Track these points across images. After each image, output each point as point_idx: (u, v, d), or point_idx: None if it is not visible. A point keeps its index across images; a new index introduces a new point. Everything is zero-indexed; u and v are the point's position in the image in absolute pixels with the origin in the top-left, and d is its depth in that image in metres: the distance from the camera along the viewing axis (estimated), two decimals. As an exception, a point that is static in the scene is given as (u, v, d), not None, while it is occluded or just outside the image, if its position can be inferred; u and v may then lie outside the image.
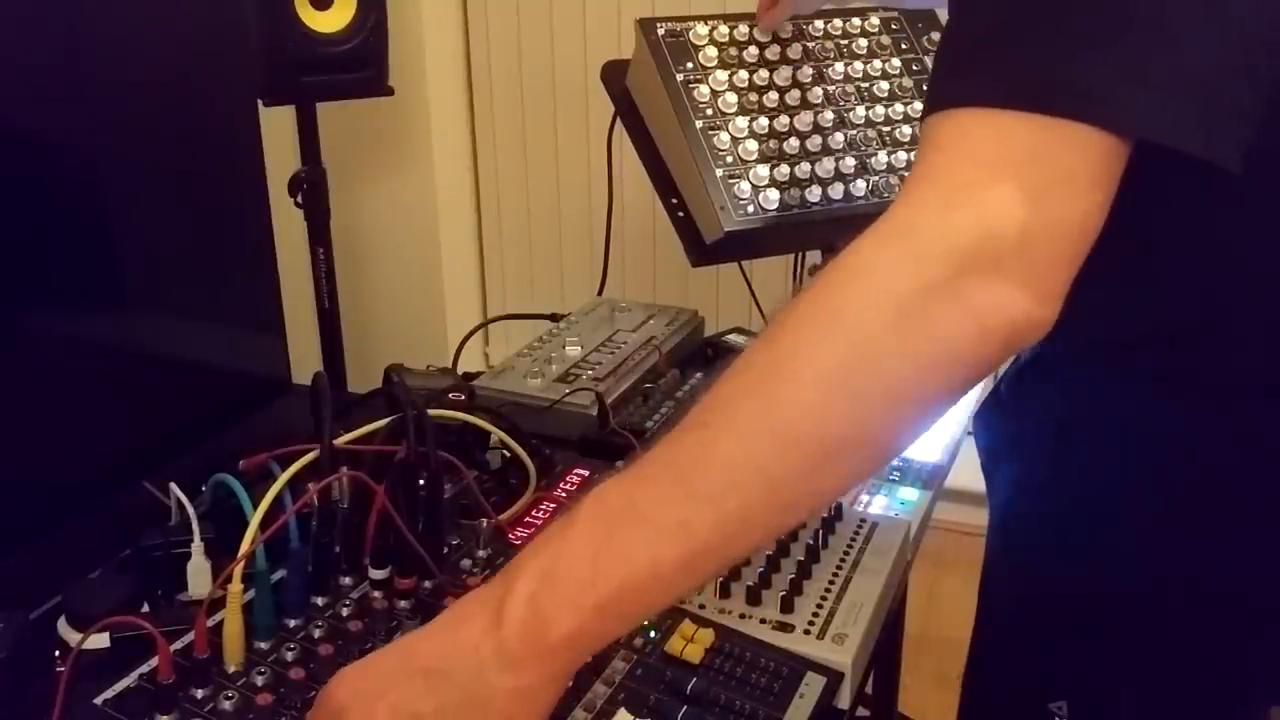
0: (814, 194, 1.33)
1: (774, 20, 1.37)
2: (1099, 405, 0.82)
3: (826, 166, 1.36)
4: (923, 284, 0.59)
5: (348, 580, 0.88)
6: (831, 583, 0.94)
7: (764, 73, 1.38)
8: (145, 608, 0.89)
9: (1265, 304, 0.75)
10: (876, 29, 1.48)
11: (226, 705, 0.74)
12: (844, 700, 0.85)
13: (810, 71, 1.40)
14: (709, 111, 1.33)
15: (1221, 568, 0.79)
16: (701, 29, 1.38)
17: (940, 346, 0.59)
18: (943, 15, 1.54)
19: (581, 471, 1.10)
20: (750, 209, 1.29)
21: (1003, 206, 0.58)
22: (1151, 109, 0.60)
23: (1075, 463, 0.85)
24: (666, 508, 0.61)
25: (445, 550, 0.93)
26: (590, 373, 1.27)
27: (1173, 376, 0.78)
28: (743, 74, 1.38)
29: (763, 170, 1.32)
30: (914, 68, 1.46)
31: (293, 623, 0.83)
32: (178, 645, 0.78)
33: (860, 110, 1.42)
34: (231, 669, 0.77)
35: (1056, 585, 0.86)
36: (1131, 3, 0.60)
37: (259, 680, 0.76)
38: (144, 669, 0.77)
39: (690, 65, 1.36)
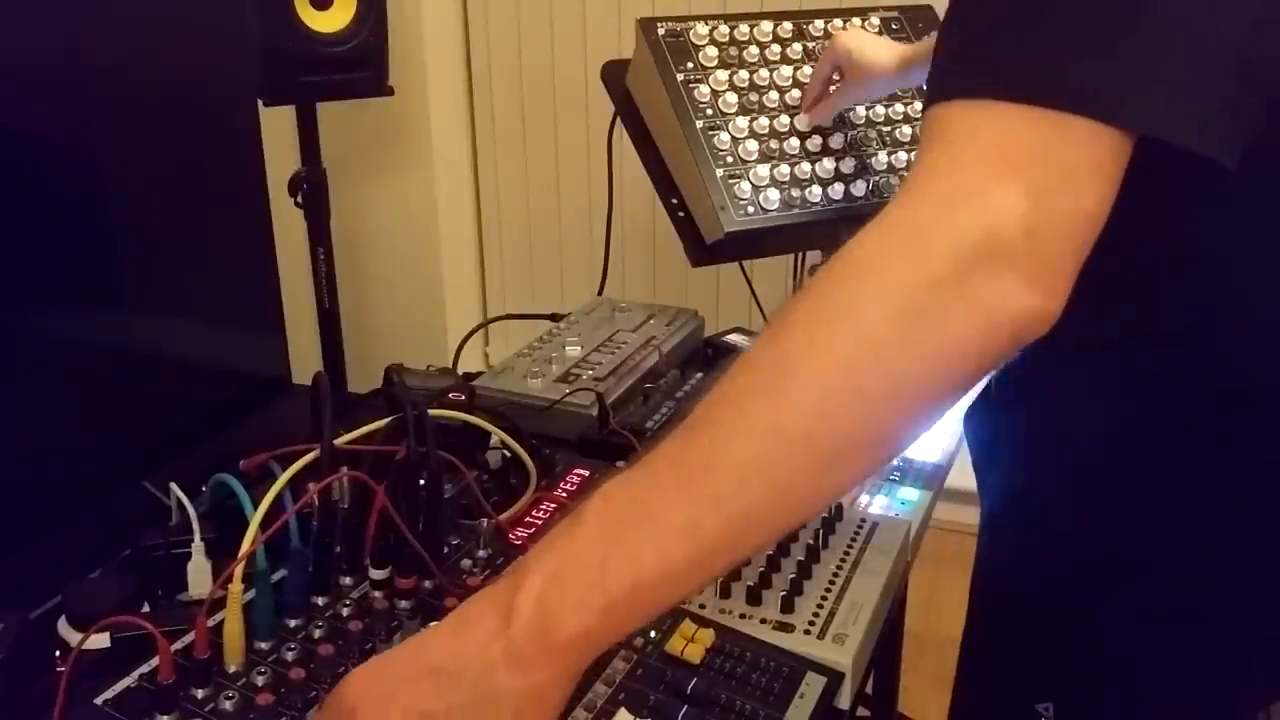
0: (814, 194, 1.33)
1: (821, 114, 1.36)
2: (1089, 404, 0.82)
3: (826, 166, 1.36)
4: (928, 279, 0.59)
5: (348, 580, 0.88)
6: (831, 583, 0.94)
7: (764, 72, 1.38)
8: (145, 608, 0.89)
9: (1258, 306, 0.75)
10: (876, 29, 1.48)
11: (227, 705, 0.74)
12: (844, 700, 0.85)
13: (810, 71, 1.40)
14: (709, 111, 1.33)
15: (1213, 568, 0.79)
16: (702, 29, 1.38)
17: (946, 341, 0.59)
18: (943, 10, 1.54)
19: (581, 471, 1.10)
20: (750, 209, 1.29)
21: (1007, 201, 0.58)
22: (1154, 105, 0.59)
23: (1064, 462, 0.85)
24: (674, 507, 0.61)
25: (445, 550, 0.93)
26: (590, 373, 1.27)
27: (1165, 376, 0.78)
28: (743, 74, 1.37)
29: (763, 170, 1.32)
30: (914, 68, 1.45)
31: (293, 623, 0.83)
32: (178, 645, 0.78)
33: (860, 110, 1.42)
34: (232, 669, 0.77)
35: (1044, 584, 0.86)
36: None
37: (259, 680, 0.76)
38: (144, 669, 0.77)
39: (690, 65, 1.36)
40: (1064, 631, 0.85)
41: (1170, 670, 0.82)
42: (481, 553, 0.94)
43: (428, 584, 0.88)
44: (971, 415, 0.96)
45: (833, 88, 1.35)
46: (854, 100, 1.37)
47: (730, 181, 1.30)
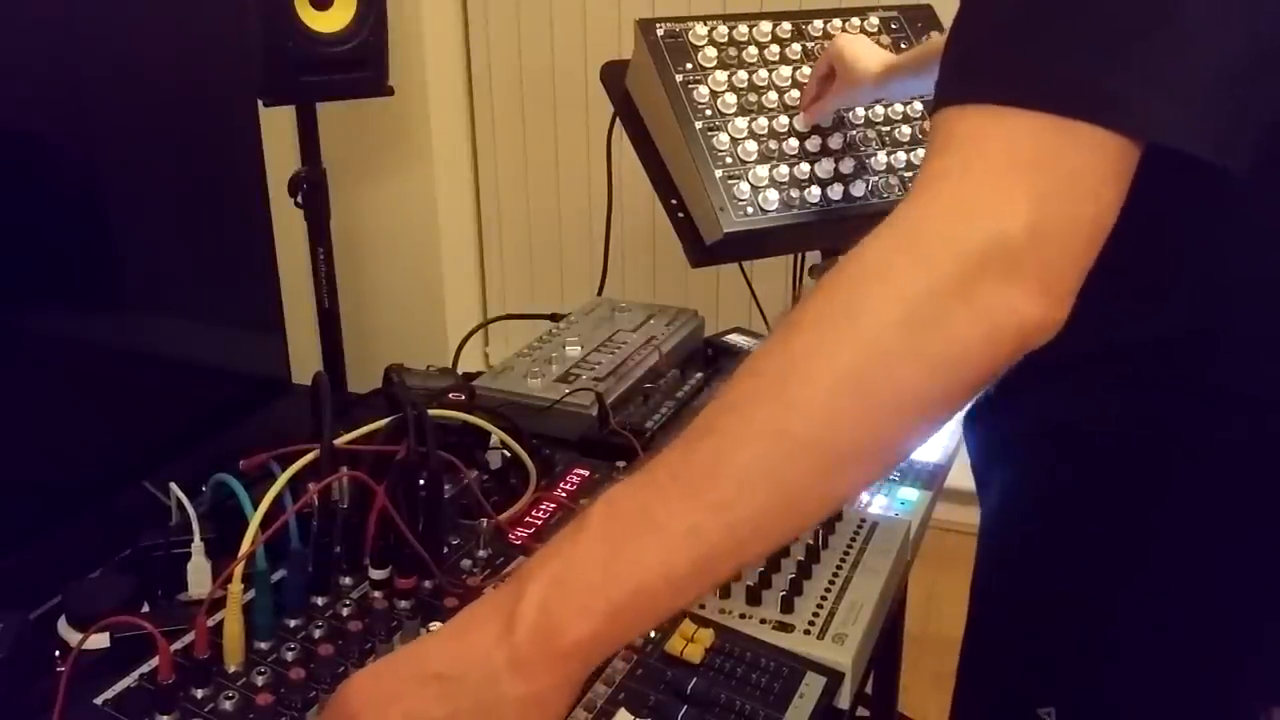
0: (813, 194, 1.34)
1: (817, 114, 1.37)
2: (1091, 410, 0.82)
3: (826, 167, 1.36)
4: (934, 286, 0.58)
5: (348, 580, 0.88)
6: (831, 583, 0.94)
7: (763, 73, 1.39)
8: (145, 608, 0.89)
9: (1262, 312, 0.75)
10: (876, 29, 1.49)
11: (226, 705, 0.74)
12: (844, 700, 0.85)
13: (809, 71, 1.40)
14: (708, 112, 1.34)
15: (1215, 572, 0.79)
16: (701, 29, 1.38)
17: (951, 348, 0.59)
18: (942, 10, 1.55)
19: (581, 471, 1.10)
20: (750, 210, 1.30)
21: (1013, 208, 0.58)
22: (1165, 112, 0.59)
23: (1066, 467, 0.84)
24: (677, 513, 0.61)
25: (445, 550, 0.93)
26: (590, 373, 1.27)
27: (1168, 382, 0.78)
28: (742, 74, 1.38)
29: (762, 171, 1.32)
30: (914, 68, 1.45)
31: (293, 623, 0.83)
32: (178, 645, 0.78)
33: (859, 110, 1.42)
34: (231, 669, 0.77)
35: (1046, 589, 0.86)
36: (1146, 3, 0.60)
37: (259, 680, 0.76)
38: (144, 669, 0.77)
39: (690, 66, 1.36)
40: (1066, 635, 0.85)
41: (1172, 672, 0.82)
42: (481, 553, 0.94)
43: (428, 584, 0.88)
44: (972, 420, 0.96)
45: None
46: (844, 103, 1.38)
47: (729, 182, 1.30)
